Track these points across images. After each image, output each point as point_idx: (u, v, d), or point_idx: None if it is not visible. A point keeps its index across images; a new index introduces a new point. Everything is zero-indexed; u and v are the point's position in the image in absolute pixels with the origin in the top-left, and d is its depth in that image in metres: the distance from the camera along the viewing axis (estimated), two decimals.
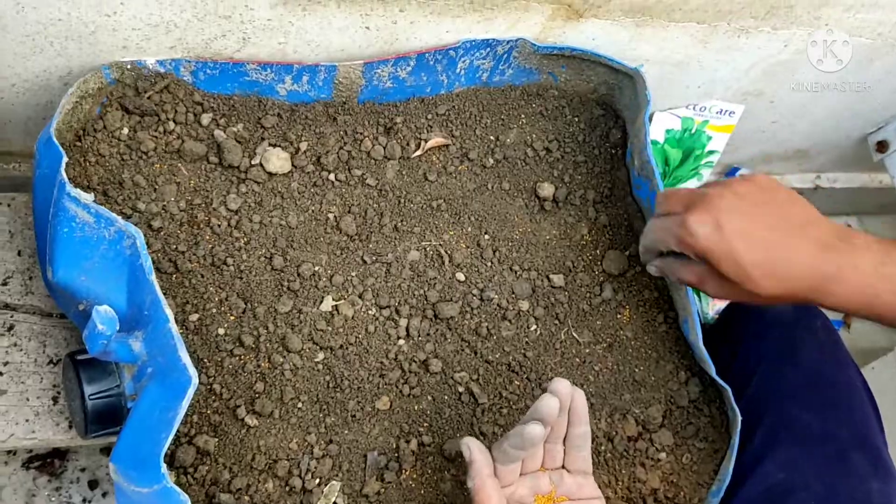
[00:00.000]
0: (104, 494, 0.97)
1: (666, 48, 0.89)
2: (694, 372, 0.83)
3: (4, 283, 0.80)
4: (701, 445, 0.80)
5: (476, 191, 0.85)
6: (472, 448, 0.63)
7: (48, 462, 0.96)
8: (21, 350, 0.78)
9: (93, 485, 0.96)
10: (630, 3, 0.80)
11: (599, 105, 0.92)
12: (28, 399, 0.77)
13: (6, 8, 0.67)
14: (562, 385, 0.62)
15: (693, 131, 1.06)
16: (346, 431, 0.72)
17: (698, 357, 0.81)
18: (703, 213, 0.65)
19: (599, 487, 0.69)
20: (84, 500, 0.96)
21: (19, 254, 0.82)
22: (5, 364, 0.77)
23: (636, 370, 0.82)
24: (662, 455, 0.79)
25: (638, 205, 0.88)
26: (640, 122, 0.84)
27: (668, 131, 1.05)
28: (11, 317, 0.79)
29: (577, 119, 0.91)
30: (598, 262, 0.86)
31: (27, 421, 0.76)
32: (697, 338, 0.79)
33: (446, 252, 0.81)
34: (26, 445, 0.77)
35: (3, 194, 0.84)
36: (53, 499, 0.95)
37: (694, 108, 1.04)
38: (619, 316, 0.84)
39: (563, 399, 0.62)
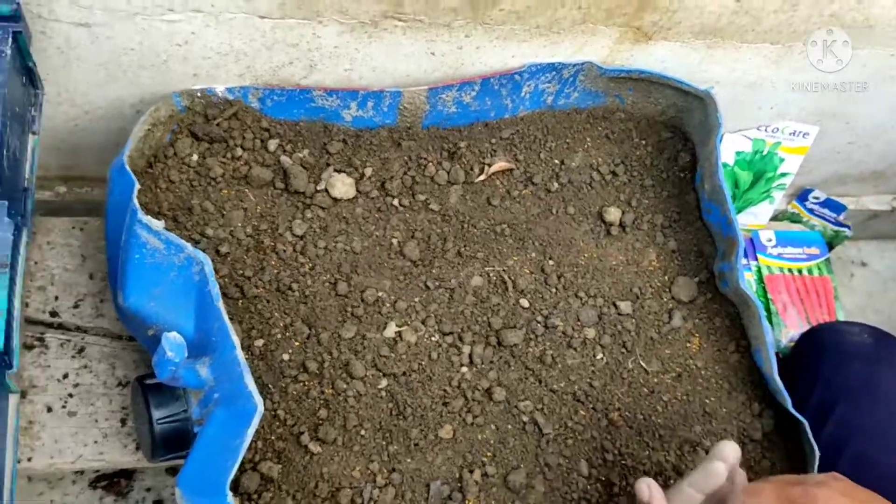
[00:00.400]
0: None
1: (738, 69, 0.87)
2: (768, 404, 0.80)
3: (76, 306, 0.82)
4: None
5: (540, 215, 0.84)
6: (652, 489, 0.62)
7: (115, 482, 0.97)
8: (91, 372, 0.79)
9: None
10: (701, 24, 0.78)
11: (667, 128, 0.90)
12: (97, 420, 0.78)
13: (81, 38, 0.69)
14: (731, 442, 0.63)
15: (765, 153, 1.03)
16: (408, 460, 0.71)
17: (772, 388, 0.78)
18: None
19: None
20: None
21: (91, 277, 0.83)
22: (76, 386, 0.78)
23: (707, 401, 0.79)
24: None
25: (708, 230, 0.86)
26: (711, 146, 0.81)
27: (738, 153, 1.03)
28: (82, 339, 0.80)
29: (644, 142, 0.89)
30: (667, 289, 0.83)
31: (95, 442, 0.77)
32: (772, 368, 0.76)
33: (510, 278, 0.80)
34: (94, 466, 0.78)
35: (76, 218, 0.85)
36: None
37: (765, 130, 1.01)
38: (688, 344, 0.81)
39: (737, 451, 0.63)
